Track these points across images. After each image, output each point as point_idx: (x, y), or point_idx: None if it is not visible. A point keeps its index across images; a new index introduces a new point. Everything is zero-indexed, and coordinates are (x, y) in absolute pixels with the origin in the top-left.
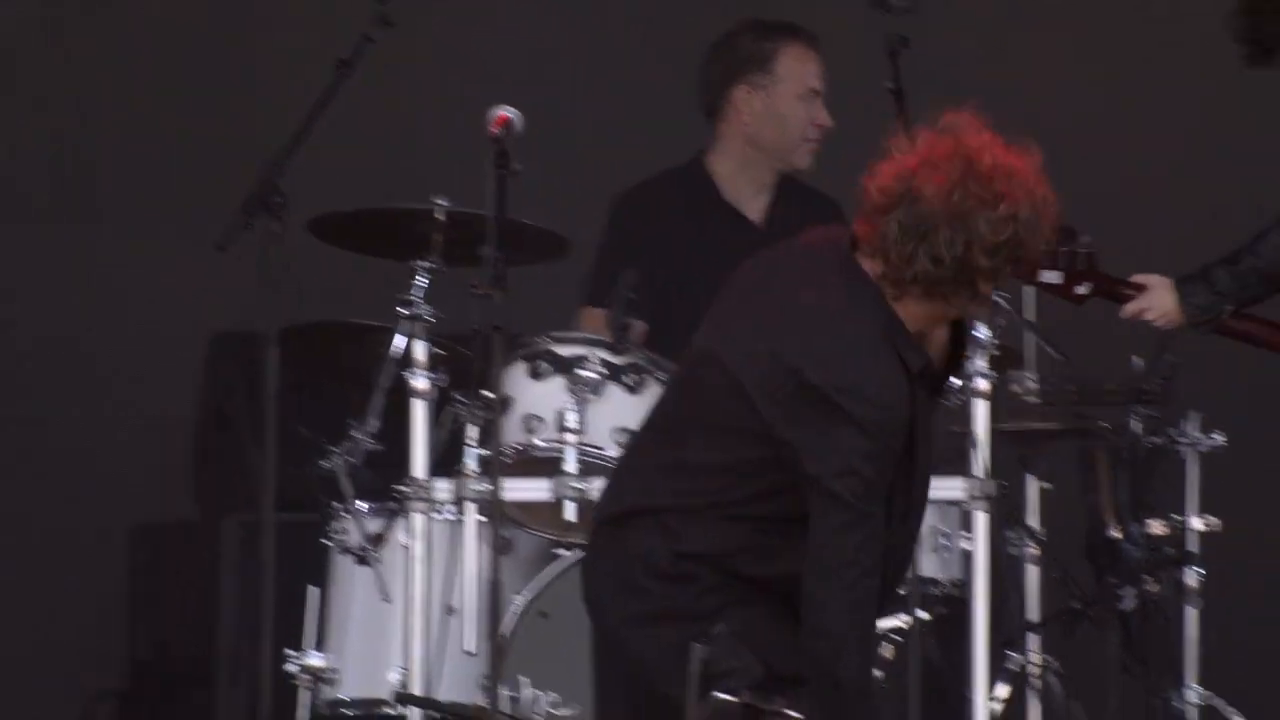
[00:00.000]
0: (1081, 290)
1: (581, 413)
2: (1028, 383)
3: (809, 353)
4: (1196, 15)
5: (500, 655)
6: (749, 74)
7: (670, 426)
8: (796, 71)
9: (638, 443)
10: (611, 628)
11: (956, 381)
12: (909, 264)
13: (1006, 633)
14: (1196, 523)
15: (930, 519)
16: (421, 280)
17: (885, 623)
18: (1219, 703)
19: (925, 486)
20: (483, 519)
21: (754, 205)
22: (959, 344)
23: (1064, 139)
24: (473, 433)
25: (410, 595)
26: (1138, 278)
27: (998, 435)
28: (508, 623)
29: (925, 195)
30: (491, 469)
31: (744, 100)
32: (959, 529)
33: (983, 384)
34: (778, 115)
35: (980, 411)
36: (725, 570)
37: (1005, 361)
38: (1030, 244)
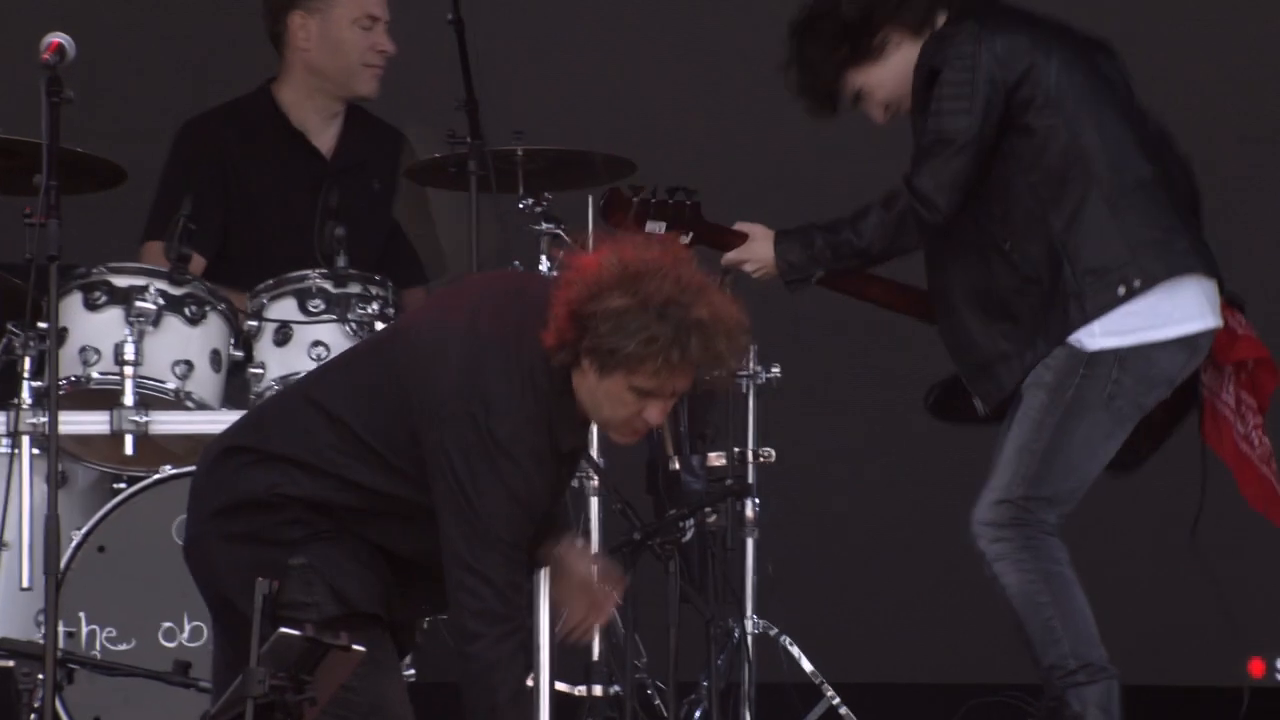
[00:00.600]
0: (685, 240)
1: (139, 344)
2: None
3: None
4: None
5: (57, 591)
6: (303, 1)
7: (339, 381)
8: (340, 5)
9: (304, 380)
10: (195, 537)
11: None
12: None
13: None
14: (755, 454)
15: None
16: None
17: None
18: (775, 630)
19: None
20: (38, 452)
21: (323, 135)
22: None
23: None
24: (27, 365)
25: None
26: (740, 226)
27: None
28: (65, 558)
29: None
30: (47, 401)
31: (299, 27)
32: None
33: None
34: (333, 41)
35: None
36: (319, 510)
37: None
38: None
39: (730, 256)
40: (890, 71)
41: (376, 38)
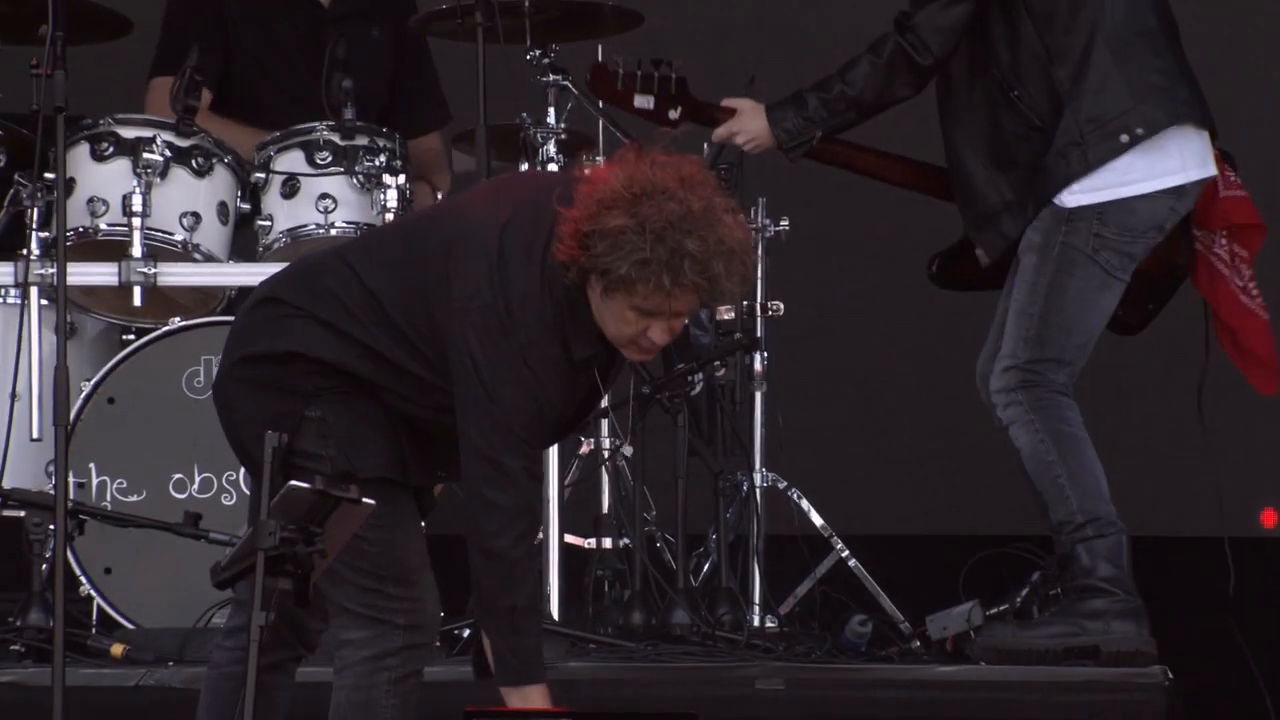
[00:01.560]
0: (674, 115)
1: (147, 195)
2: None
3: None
4: None
5: (67, 441)
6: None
7: (376, 252)
8: None
9: (348, 244)
10: (220, 379)
11: None
12: None
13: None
14: (763, 307)
15: None
16: None
17: None
18: (783, 484)
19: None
20: (46, 303)
21: None
22: None
23: None
24: (35, 216)
25: None
26: (728, 101)
27: None
28: (74, 409)
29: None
30: (55, 252)
31: None
32: None
33: (555, 168)
34: None
35: None
36: (339, 373)
37: (575, 147)
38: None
39: (720, 131)
40: None
41: None
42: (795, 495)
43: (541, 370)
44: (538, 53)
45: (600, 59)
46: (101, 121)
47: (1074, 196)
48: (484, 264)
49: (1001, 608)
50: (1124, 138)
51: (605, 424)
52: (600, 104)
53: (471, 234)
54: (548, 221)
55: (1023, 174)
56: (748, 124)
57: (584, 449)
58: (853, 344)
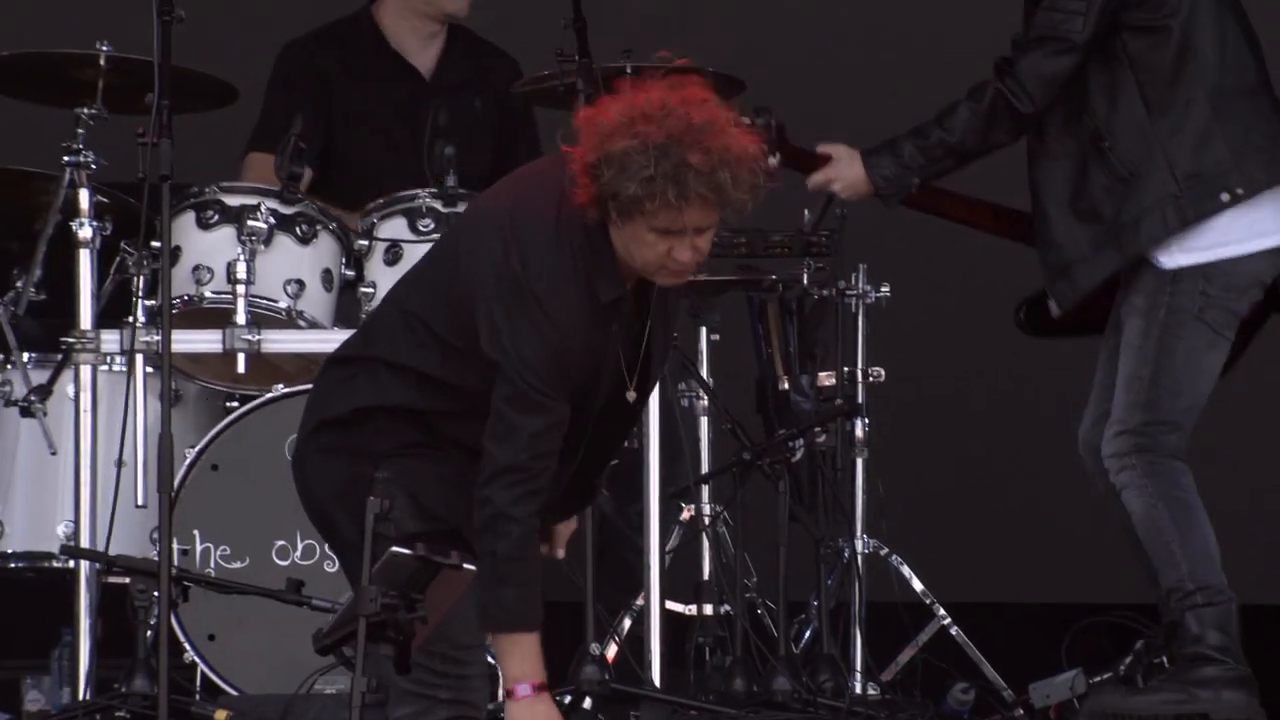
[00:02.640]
0: (772, 161)
1: (251, 263)
2: None
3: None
4: None
5: (171, 508)
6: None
7: (409, 278)
8: None
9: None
10: (296, 452)
11: None
12: None
13: (678, 484)
14: (864, 374)
15: None
16: (86, 127)
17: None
18: (885, 550)
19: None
20: (151, 371)
21: (422, 55)
22: None
23: None
24: (141, 284)
25: (78, 448)
26: (824, 148)
27: None
28: (178, 476)
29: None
30: (160, 320)
31: None
32: None
33: None
34: None
35: None
36: (403, 418)
37: None
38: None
39: (817, 178)
40: None
41: None
42: (896, 561)
43: (564, 318)
44: None
45: None
46: (207, 189)
47: (1174, 257)
48: (497, 238)
49: (1106, 676)
50: (1224, 196)
51: (706, 490)
52: None
53: (483, 221)
54: (557, 184)
55: (1105, 228)
56: (844, 171)
57: (685, 515)
58: (953, 410)
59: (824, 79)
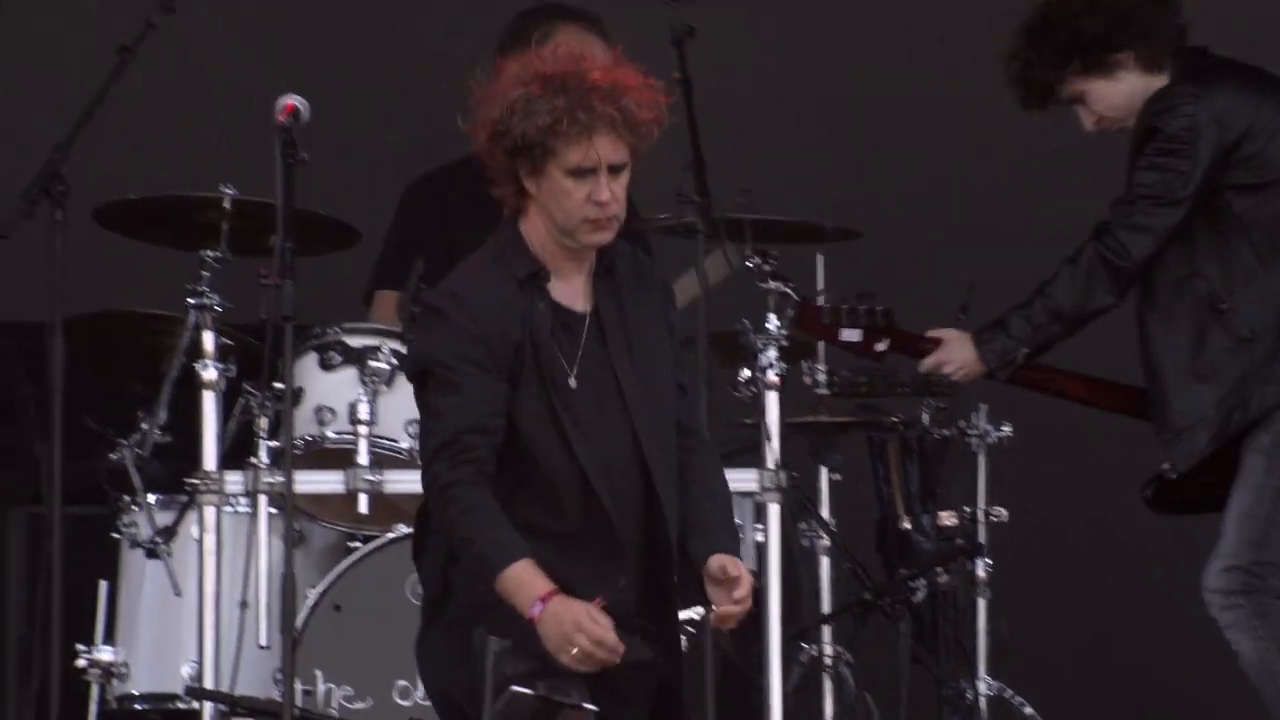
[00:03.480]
0: (881, 347)
1: (373, 404)
2: (819, 374)
3: None
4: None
5: (294, 649)
6: (513, 51)
7: None
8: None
9: None
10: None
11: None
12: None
13: (799, 624)
14: (985, 514)
15: None
16: (210, 269)
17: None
18: (1009, 692)
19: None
20: (275, 512)
21: None
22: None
23: (860, 118)
24: (264, 424)
25: (202, 589)
26: (934, 332)
27: (789, 427)
28: (301, 617)
29: None
30: (283, 461)
31: None
32: (751, 521)
33: (774, 376)
34: None
35: (771, 403)
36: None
37: (796, 353)
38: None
39: (929, 362)
40: (1116, 90)
41: None
42: (1019, 703)
43: (474, 299)
44: (758, 259)
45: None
46: (329, 331)
47: None
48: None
49: None
50: None
51: (827, 630)
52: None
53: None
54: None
55: (1230, 389)
56: (955, 353)
57: (806, 655)
58: (1077, 551)
59: (940, 226)
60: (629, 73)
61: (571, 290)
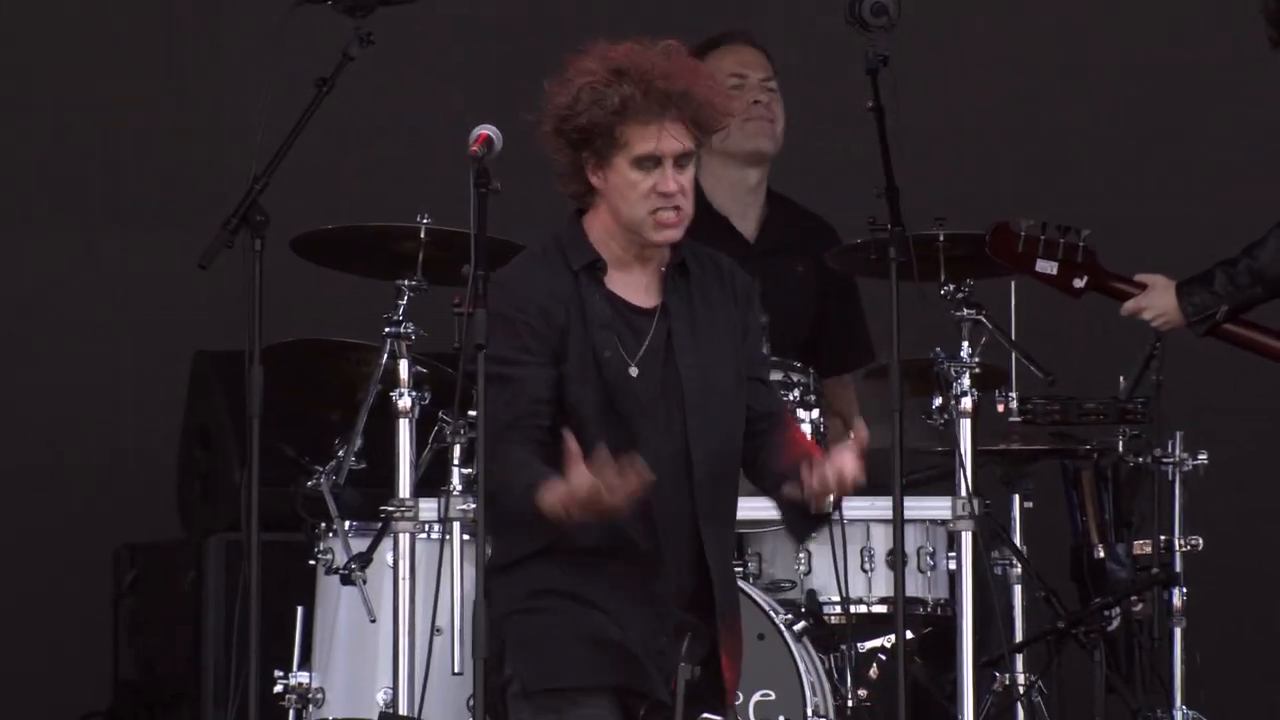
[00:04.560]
0: (1079, 284)
1: None
2: (1012, 402)
3: None
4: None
5: (487, 675)
6: None
7: None
8: (717, 65)
9: None
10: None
11: None
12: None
13: (992, 653)
14: (1181, 542)
15: (916, 539)
16: (405, 298)
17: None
18: None
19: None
20: (468, 538)
21: (745, 219)
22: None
23: (1051, 148)
24: (457, 452)
25: (397, 615)
26: (1140, 276)
27: (982, 455)
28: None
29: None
30: (477, 489)
31: None
32: (945, 549)
33: (967, 404)
34: None
35: (964, 431)
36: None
37: (989, 381)
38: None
39: (1130, 305)
40: None
41: (749, 93)
42: None
43: (522, 288)
44: (951, 287)
45: (1005, 219)
46: None
47: None
48: None
49: None
50: None
51: (1020, 659)
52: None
53: None
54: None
55: None
56: (1157, 300)
57: (999, 684)
58: (1273, 580)
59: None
60: (696, 65)
61: (634, 285)
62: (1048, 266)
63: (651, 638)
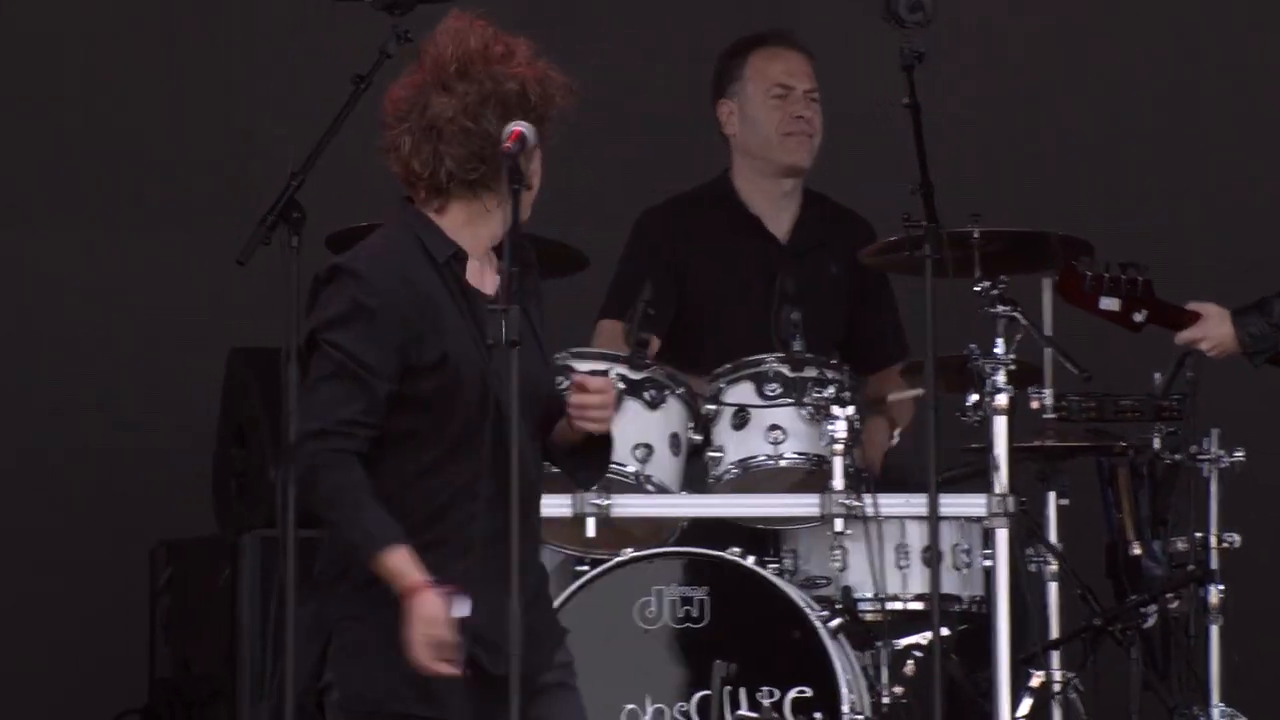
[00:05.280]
0: (1139, 318)
1: None
2: (1047, 399)
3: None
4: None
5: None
6: (726, 87)
7: None
8: (762, 70)
9: None
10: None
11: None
12: (435, 167)
13: (1028, 650)
14: (1218, 539)
15: (951, 536)
16: None
17: (906, 639)
18: (1242, 719)
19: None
20: None
21: (777, 219)
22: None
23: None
24: None
25: None
26: (1194, 306)
27: (1017, 452)
28: None
29: (431, 101)
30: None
31: (727, 115)
32: (980, 546)
33: (1002, 400)
34: (749, 118)
35: (999, 428)
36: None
37: (1024, 378)
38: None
39: (1185, 335)
40: None
41: (792, 106)
42: None
43: (380, 281)
44: (986, 284)
45: (1072, 263)
46: (559, 355)
47: None
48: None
49: None
50: None
51: (1056, 656)
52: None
53: None
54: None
55: None
56: (1213, 329)
57: (1034, 681)
58: None
59: (1172, 236)
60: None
61: (481, 277)
62: (1111, 304)
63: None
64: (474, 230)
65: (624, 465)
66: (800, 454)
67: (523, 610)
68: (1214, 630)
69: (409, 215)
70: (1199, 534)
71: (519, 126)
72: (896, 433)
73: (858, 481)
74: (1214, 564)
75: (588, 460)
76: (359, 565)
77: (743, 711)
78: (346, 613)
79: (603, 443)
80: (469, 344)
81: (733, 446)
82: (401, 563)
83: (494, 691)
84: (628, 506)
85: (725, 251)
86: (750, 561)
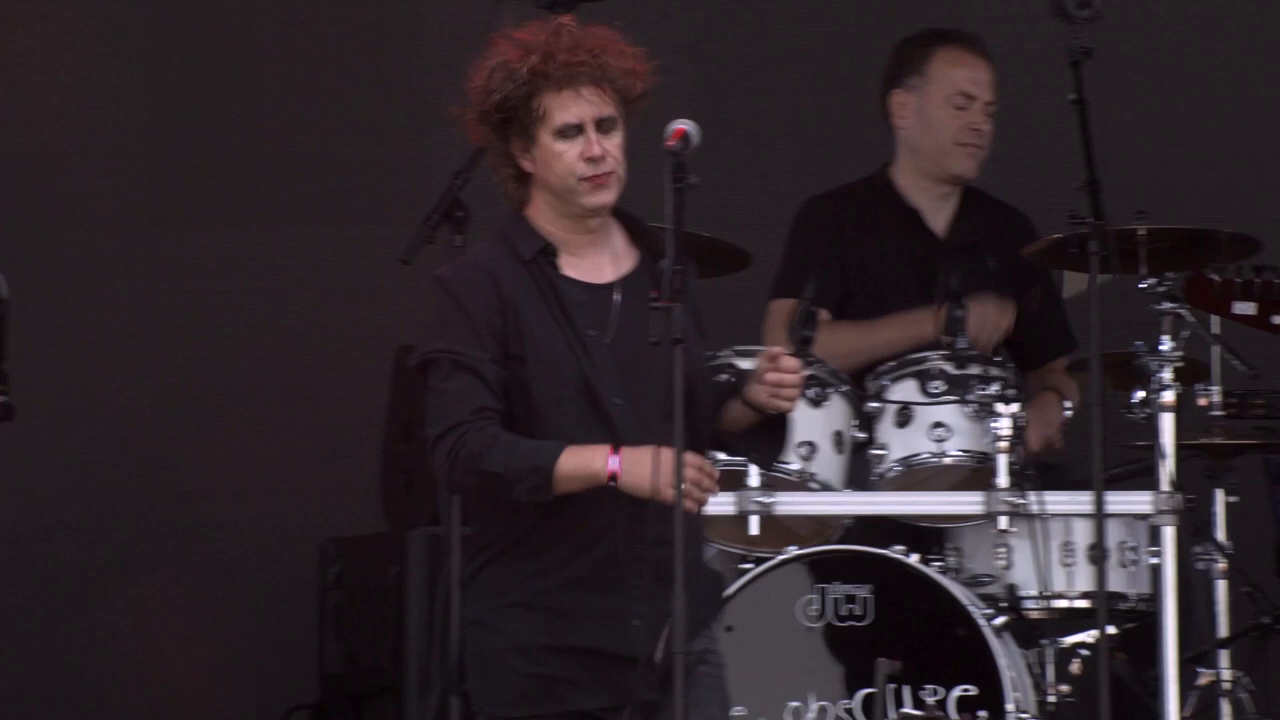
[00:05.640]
0: (1277, 320)
1: None
2: (1214, 396)
3: None
4: None
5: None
6: (904, 78)
7: None
8: (947, 74)
9: None
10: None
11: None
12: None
13: (1196, 648)
14: None
15: (1117, 533)
16: None
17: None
18: None
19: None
20: None
21: (937, 215)
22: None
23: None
24: None
25: None
26: None
27: (1184, 449)
28: None
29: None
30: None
31: (900, 105)
32: (1147, 544)
33: (1168, 397)
34: (927, 119)
35: (1166, 425)
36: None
37: (1191, 374)
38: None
39: None
40: None
41: (972, 117)
42: None
43: (470, 283)
44: (1153, 280)
45: (1199, 269)
46: (721, 354)
47: None
48: None
49: None
50: None
51: (1224, 655)
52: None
53: None
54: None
55: None
56: None
57: (1203, 680)
58: None
59: None
60: (606, 33)
61: (590, 266)
62: (1246, 308)
63: (620, 624)
64: (564, 216)
65: (788, 463)
66: (964, 451)
67: (655, 596)
68: None
69: (506, 217)
70: None
71: (682, 124)
72: (1068, 405)
73: (1022, 479)
74: None
75: (768, 439)
76: (542, 487)
77: (907, 709)
78: (474, 617)
79: (779, 422)
80: (556, 338)
81: (896, 444)
82: (578, 458)
83: (618, 677)
84: (791, 504)
85: (885, 244)
86: (914, 559)
